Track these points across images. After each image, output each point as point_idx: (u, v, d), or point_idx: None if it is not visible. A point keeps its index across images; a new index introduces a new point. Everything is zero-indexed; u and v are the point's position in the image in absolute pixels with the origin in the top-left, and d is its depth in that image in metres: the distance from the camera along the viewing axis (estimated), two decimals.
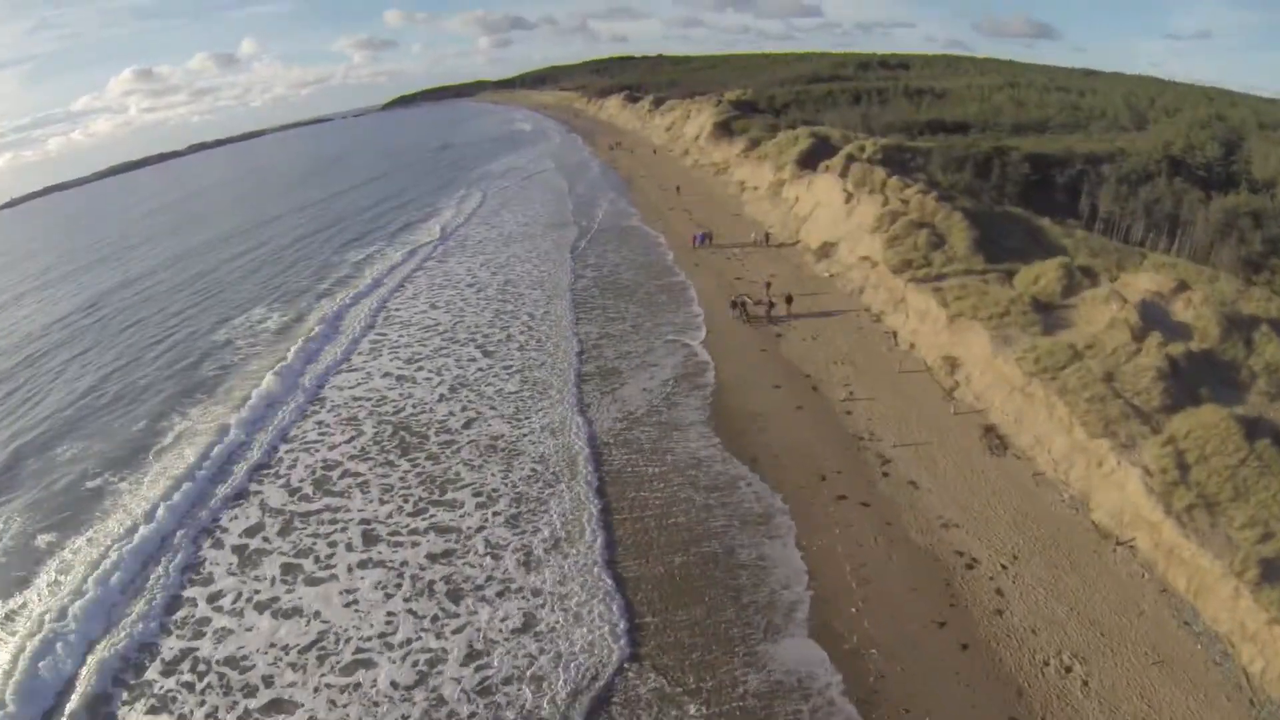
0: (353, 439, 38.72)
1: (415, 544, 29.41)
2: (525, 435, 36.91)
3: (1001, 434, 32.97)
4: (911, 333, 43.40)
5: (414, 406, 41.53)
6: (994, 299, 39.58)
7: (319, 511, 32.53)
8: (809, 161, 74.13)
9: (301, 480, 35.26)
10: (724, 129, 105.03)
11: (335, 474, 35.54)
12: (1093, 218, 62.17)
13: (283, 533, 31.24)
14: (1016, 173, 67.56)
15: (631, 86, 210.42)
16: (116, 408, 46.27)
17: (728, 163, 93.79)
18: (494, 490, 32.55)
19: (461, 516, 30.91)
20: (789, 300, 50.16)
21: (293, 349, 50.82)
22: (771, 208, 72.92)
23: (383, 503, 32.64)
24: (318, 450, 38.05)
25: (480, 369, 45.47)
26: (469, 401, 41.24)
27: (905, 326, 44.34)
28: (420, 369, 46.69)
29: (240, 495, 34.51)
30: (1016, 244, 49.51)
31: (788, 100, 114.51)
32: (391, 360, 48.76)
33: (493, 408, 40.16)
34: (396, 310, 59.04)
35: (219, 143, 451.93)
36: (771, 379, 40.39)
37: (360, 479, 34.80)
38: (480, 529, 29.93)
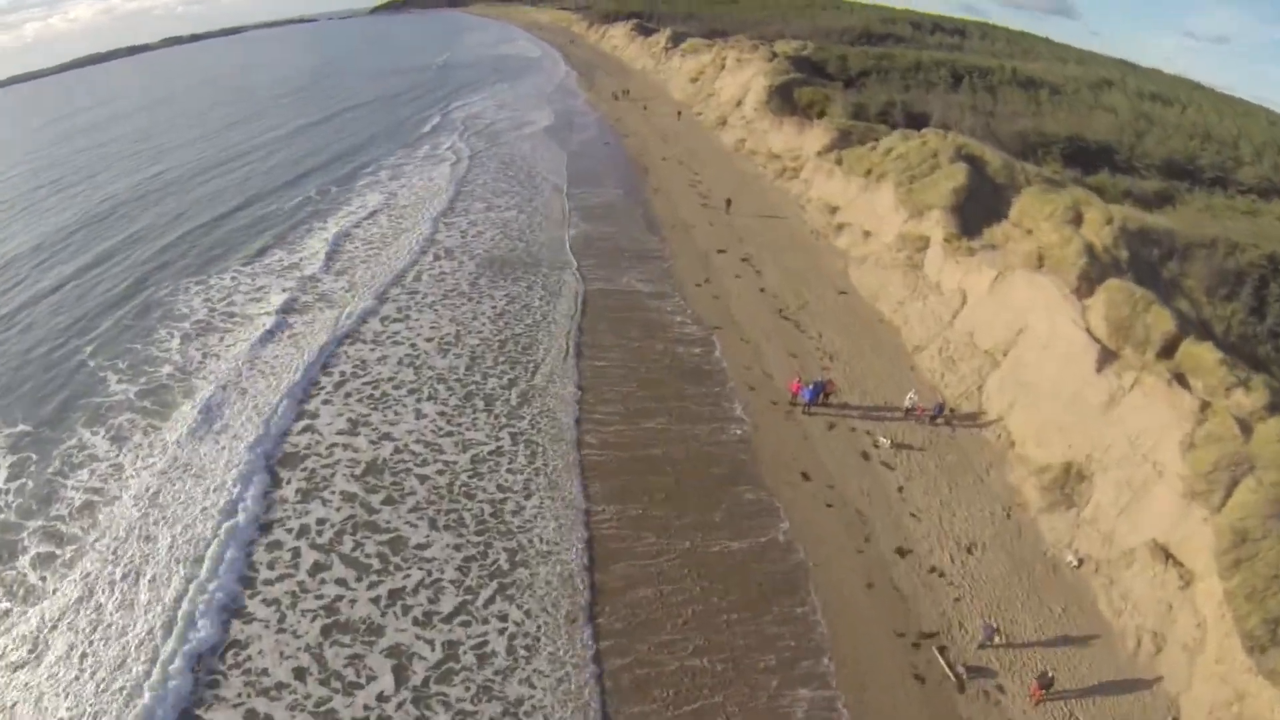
0: None
1: None
2: None
3: None
4: None
5: None
6: None
7: None
8: (969, 210, 38.93)
9: None
10: (784, 97, 67.63)
11: None
12: None
13: None
14: None
15: (641, 14, 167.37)
16: None
17: (799, 159, 57.07)
18: None
19: None
20: (1044, 686, 17.28)
21: None
22: (908, 294, 37.69)
23: None
24: None
25: None
26: None
27: None
28: None
29: None
30: None
31: (865, 67, 76.57)
32: None
33: None
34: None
35: (194, 38, 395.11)
36: None
37: None
38: None
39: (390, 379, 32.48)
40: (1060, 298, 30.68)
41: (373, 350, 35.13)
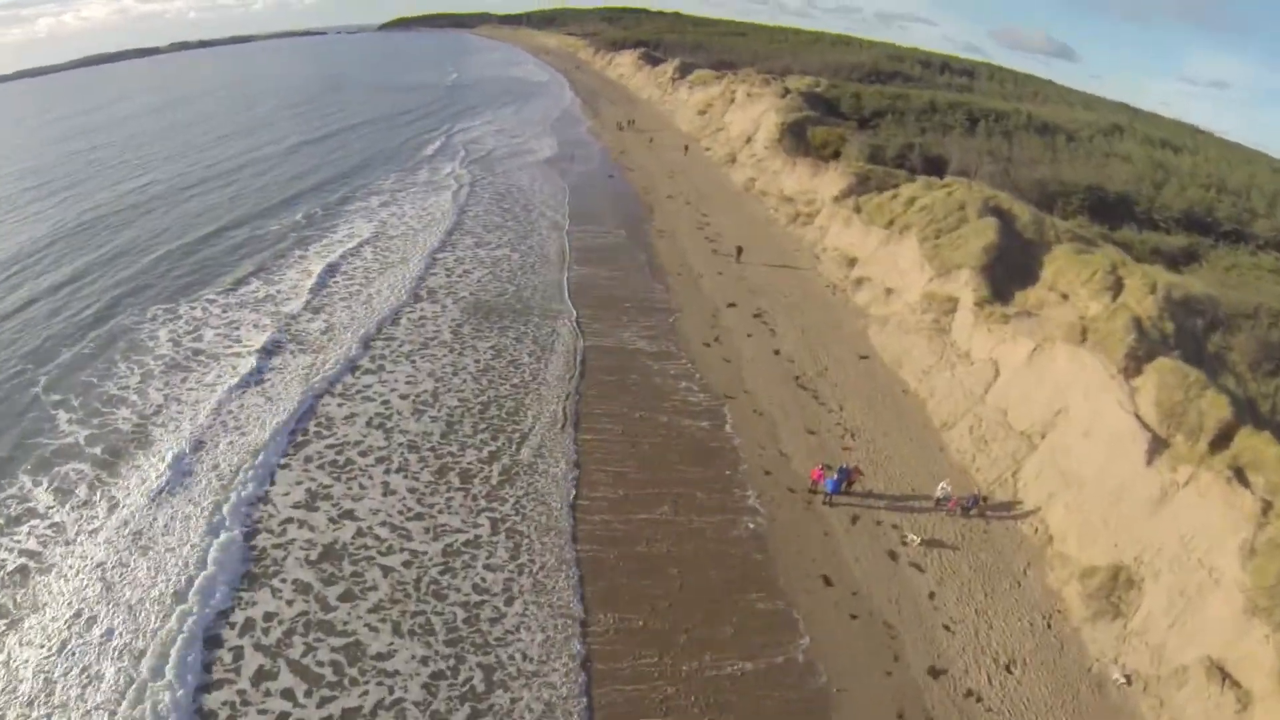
0: None
1: None
2: None
3: None
4: None
5: None
6: None
7: None
8: (998, 270, 36.26)
9: None
10: (797, 136, 65.07)
11: None
12: None
13: None
14: None
15: (649, 43, 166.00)
16: None
17: (814, 203, 54.29)
18: None
19: None
20: None
21: None
22: (935, 362, 34.61)
23: None
24: None
25: None
26: None
27: None
28: None
29: None
30: None
31: (880, 106, 74.20)
32: None
33: None
34: None
35: (203, 44, 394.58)
36: None
37: None
38: None
39: (357, 443, 28.88)
40: (1106, 377, 27.82)
41: (340, 406, 31.55)
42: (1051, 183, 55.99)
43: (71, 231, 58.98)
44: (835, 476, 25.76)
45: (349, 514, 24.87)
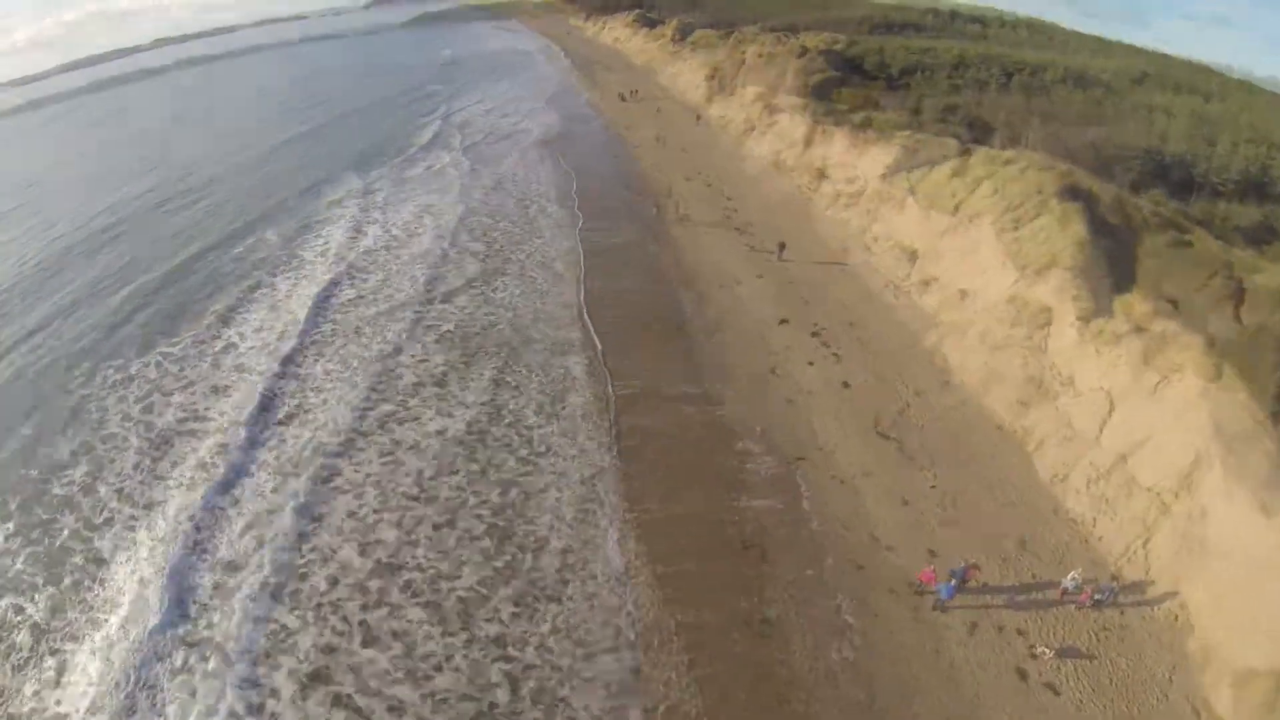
0: None
1: None
2: None
3: None
4: None
5: None
6: None
7: None
8: (1093, 270, 30.00)
9: None
10: (824, 100, 58.25)
11: None
12: None
13: None
14: None
15: (642, 3, 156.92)
16: None
17: (856, 181, 47.51)
18: None
19: None
20: None
21: None
22: (1033, 391, 28.51)
23: None
24: None
25: None
26: None
27: None
28: None
29: None
30: None
31: (907, 65, 66.90)
32: None
33: None
34: None
35: (185, 38, 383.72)
36: None
37: None
38: None
39: (325, 560, 22.83)
40: (1252, 423, 22.00)
41: (297, 541, 24.40)
42: (1106, 146, 49.66)
43: (33, 271, 53.56)
44: (952, 581, 19.97)
45: (320, 675, 19.20)
